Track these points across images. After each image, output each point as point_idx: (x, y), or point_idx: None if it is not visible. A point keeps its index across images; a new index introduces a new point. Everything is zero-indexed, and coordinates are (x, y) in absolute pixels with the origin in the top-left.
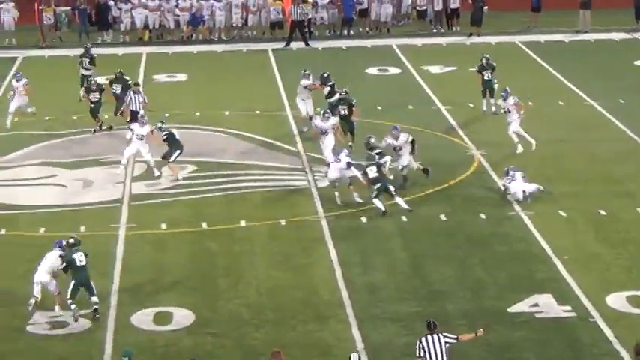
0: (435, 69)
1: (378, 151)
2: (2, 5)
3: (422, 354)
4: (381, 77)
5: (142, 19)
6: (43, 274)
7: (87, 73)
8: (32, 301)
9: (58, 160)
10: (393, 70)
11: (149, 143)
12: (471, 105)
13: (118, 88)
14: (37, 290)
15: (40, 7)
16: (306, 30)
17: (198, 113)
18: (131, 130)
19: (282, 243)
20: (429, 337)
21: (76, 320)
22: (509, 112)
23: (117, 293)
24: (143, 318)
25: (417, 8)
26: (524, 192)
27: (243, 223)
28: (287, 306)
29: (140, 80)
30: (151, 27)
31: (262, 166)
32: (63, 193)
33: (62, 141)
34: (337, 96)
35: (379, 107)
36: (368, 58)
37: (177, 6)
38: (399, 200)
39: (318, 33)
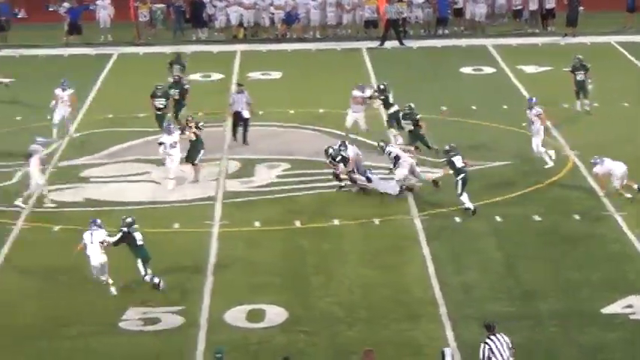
0: (529, 69)
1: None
2: (98, 2)
3: (490, 356)
4: (476, 77)
5: (237, 17)
6: (101, 256)
7: (176, 80)
8: (112, 289)
9: (152, 157)
10: (488, 70)
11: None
12: (566, 105)
13: (175, 94)
14: (104, 276)
15: (135, 4)
16: (401, 29)
17: (292, 111)
18: (161, 143)
19: (375, 242)
20: (493, 337)
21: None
22: (532, 122)
23: (210, 291)
24: (236, 315)
25: (513, 8)
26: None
27: (336, 222)
28: (379, 304)
29: (234, 78)
30: (245, 25)
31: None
32: (156, 190)
33: (156, 138)
34: (395, 107)
35: (473, 107)
36: (462, 58)
37: (272, 4)
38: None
39: (412, 32)
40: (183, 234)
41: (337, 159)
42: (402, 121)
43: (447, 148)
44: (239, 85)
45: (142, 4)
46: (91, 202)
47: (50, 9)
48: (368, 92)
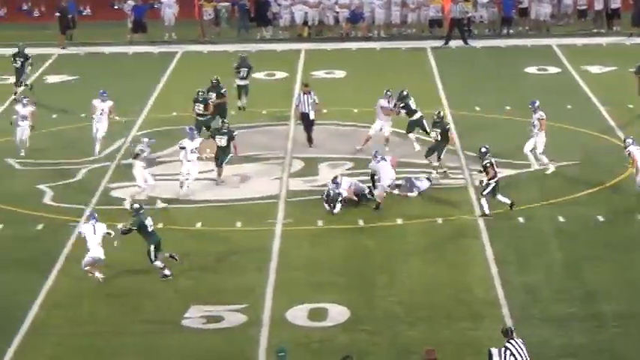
0: (594, 69)
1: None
2: (163, 0)
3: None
4: (541, 76)
5: (302, 16)
6: (101, 250)
7: (243, 83)
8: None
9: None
10: (553, 70)
11: (202, 154)
12: (631, 106)
13: (212, 97)
14: (98, 270)
15: (200, 3)
16: (466, 28)
17: (356, 110)
18: (182, 147)
19: (438, 241)
20: (512, 341)
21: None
22: (534, 126)
23: (272, 289)
24: (298, 314)
25: (578, 7)
26: None
27: (399, 221)
28: (441, 304)
29: (298, 76)
30: (310, 23)
31: (420, 164)
32: (220, 188)
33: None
34: (419, 114)
35: None
36: (527, 58)
37: (336, 3)
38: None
39: (477, 31)
40: (246, 232)
41: (338, 201)
42: (431, 128)
43: (484, 149)
44: (305, 85)
45: (207, 2)
46: (153, 199)
47: (115, 7)
48: (392, 103)
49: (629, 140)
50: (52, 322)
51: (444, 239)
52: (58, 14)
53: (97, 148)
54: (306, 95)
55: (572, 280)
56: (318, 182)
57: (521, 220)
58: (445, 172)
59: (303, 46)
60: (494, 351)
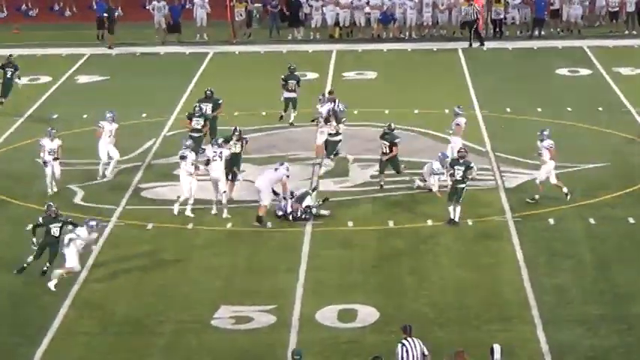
0: (626, 71)
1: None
2: (196, 0)
3: (403, 356)
4: (572, 78)
5: (333, 17)
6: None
7: (291, 96)
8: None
9: (246, 156)
10: (584, 72)
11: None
12: None
13: (207, 108)
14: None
15: (232, 3)
16: (497, 29)
17: (387, 111)
18: (183, 157)
19: (468, 242)
20: (410, 339)
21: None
22: (542, 154)
23: (302, 289)
24: (327, 315)
25: (609, 9)
26: None
27: (429, 222)
28: (471, 306)
29: (329, 78)
30: (341, 24)
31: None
32: (251, 189)
33: (251, 137)
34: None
35: (569, 109)
36: (558, 59)
37: (368, 3)
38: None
39: (509, 33)
40: (276, 233)
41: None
42: (380, 140)
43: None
44: (330, 93)
45: (238, 3)
46: (184, 200)
47: (147, 7)
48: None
49: None
50: (81, 322)
51: (474, 240)
52: (105, 15)
53: (109, 170)
54: (331, 103)
55: (602, 282)
56: (349, 183)
57: (551, 221)
58: (382, 186)
59: (335, 47)
60: (497, 347)
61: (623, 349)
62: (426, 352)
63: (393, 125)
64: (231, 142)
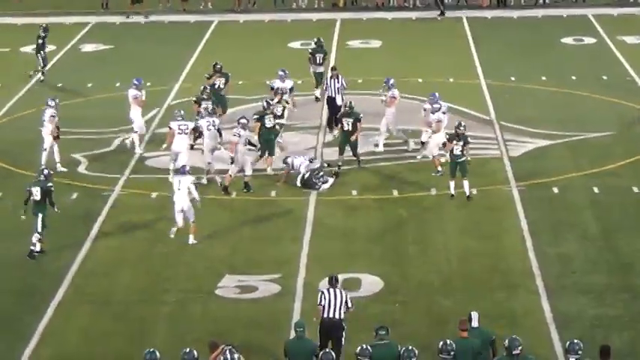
0: (630, 39)
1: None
2: None
3: (322, 302)
4: (576, 47)
5: None
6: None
7: (319, 70)
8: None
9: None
10: (589, 40)
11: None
12: None
13: (220, 82)
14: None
15: None
16: None
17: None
18: (238, 134)
19: (472, 211)
20: (331, 290)
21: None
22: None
23: (306, 259)
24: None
25: None
26: None
27: (433, 191)
28: (476, 274)
29: (334, 46)
30: None
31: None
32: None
33: (252, 106)
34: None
35: (574, 77)
36: (563, 28)
37: None
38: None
39: (513, 2)
40: (280, 202)
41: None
42: (342, 119)
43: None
44: (333, 69)
45: None
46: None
47: None
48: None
49: None
50: (86, 291)
51: (479, 210)
52: None
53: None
54: (333, 79)
55: (607, 251)
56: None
57: (555, 190)
58: (339, 167)
59: (339, 16)
60: (475, 315)
61: (627, 318)
62: (350, 305)
63: (353, 103)
64: (267, 118)
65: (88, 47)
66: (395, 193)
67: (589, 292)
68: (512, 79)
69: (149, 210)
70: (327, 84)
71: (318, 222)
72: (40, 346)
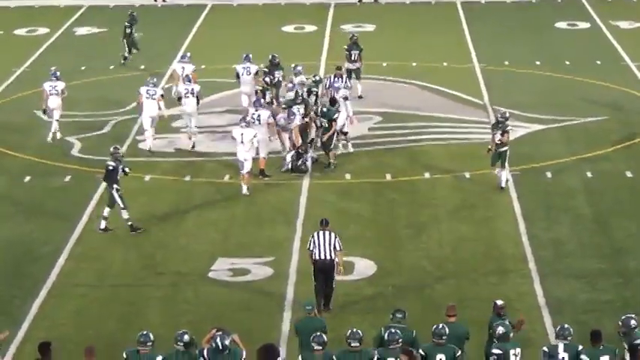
0: (624, 24)
1: None
2: None
3: (311, 247)
4: (570, 32)
5: None
6: None
7: (354, 67)
8: None
9: (243, 108)
10: (582, 25)
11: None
12: None
13: (278, 75)
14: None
15: None
16: None
17: (385, 64)
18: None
19: (465, 196)
20: (320, 232)
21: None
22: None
23: (299, 242)
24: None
25: None
26: None
27: (427, 175)
28: (469, 259)
29: (327, 30)
30: None
31: (448, 119)
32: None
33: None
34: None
35: (567, 62)
36: (557, 12)
37: None
38: None
39: None
40: (273, 185)
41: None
42: (318, 119)
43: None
44: (337, 68)
45: None
46: (182, 152)
47: None
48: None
49: None
50: (78, 274)
51: (472, 194)
52: None
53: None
54: (336, 79)
55: (599, 236)
56: (347, 136)
57: (548, 175)
58: (333, 163)
59: (332, 0)
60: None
61: (620, 303)
62: (338, 247)
63: (328, 104)
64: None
65: (81, 30)
66: (388, 177)
67: (581, 276)
68: (506, 63)
69: (142, 193)
70: (330, 82)
71: (311, 205)
72: (33, 329)
